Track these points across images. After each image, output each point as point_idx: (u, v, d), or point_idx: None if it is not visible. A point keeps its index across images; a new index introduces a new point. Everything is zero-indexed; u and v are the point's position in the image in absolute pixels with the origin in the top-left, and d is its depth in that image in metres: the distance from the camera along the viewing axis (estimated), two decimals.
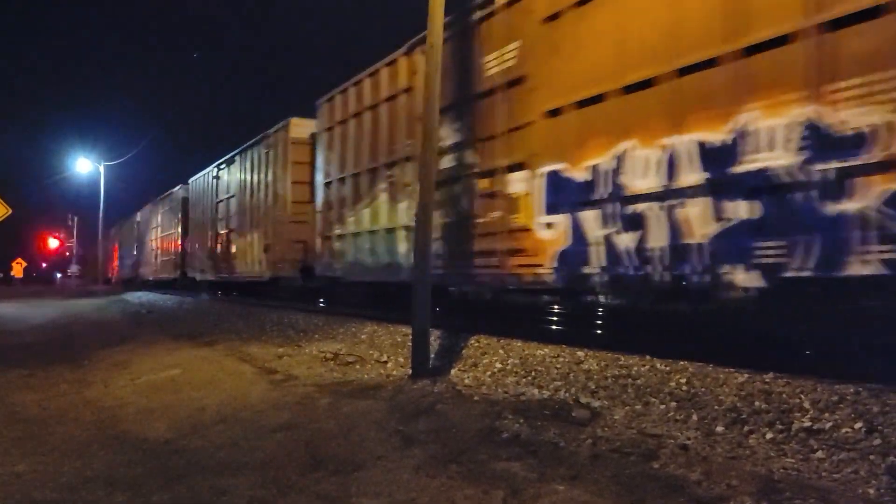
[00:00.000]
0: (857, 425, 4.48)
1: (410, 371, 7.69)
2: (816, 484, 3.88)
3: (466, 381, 7.29)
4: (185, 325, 16.15)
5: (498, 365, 7.68)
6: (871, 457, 4.07)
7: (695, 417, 5.19)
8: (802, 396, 5.06)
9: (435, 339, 8.87)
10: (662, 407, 5.55)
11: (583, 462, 4.41)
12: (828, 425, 4.59)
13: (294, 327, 13.16)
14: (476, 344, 8.67)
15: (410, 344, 7.87)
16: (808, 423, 4.67)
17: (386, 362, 8.72)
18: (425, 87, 8.09)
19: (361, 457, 4.81)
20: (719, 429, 4.93)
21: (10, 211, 8.72)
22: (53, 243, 71.10)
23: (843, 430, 4.48)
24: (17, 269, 53.46)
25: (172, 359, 10.00)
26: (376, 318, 12.37)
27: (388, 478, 4.36)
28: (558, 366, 7.15)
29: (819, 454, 4.28)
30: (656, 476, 4.11)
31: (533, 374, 7.13)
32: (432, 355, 8.14)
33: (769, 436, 4.67)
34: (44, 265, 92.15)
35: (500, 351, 8.15)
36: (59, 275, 76.65)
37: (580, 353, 7.32)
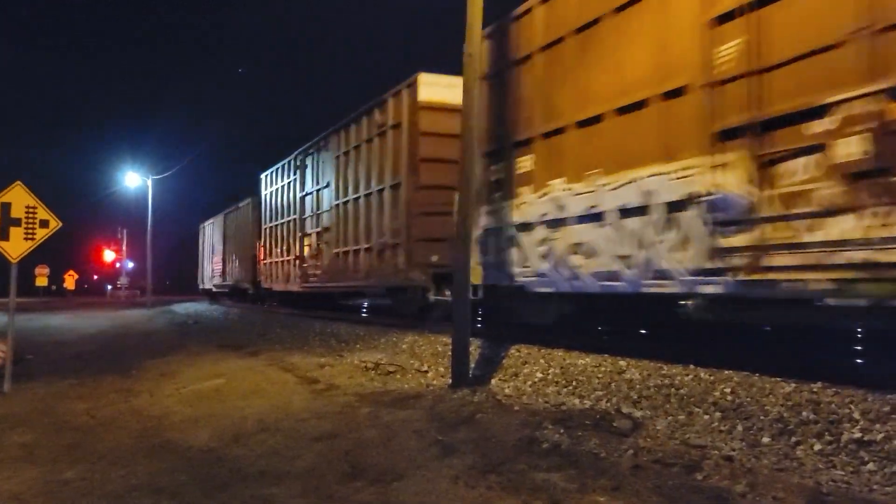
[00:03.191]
0: None
1: (451, 381, 7.69)
2: (867, 497, 3.78)
3: (507, 390, 7.25)
4: (230, 335, 16.40)
5: (539, 374, 7.63)
6: None
7: (740, 428, 5.09)
8: (852, 407, 4.92)
9: (475, 348, 8.86)
10: (706, 417, 5.45)
11: (624, 473, 4.35)
12: (879, 436, 4.45)
13: (336, 337, 13.28)
14: (517, 353, 8.62)
15: (451, 354, 7.87)
16: (858, 435, 4.54)
17: (426, 372, 8.73)
18: (464, 97, 8.05)
19: (401, 466, 4.81)
20: (765, 440, 4.82)
21: (61, 224, 8.95)
22: (109, 256, 72.25)
23: None
24: (70, 281, 54.96)
25: (217, 368, 10.14)
26: (417, 327, 12.39)
27: (427, 487, 4.35)
28: (600, 375, 7.07)
29: (870, 466, 4.16)
30: (700, 488, 4.03)
31: (574, 383, 7.06)
32: (472, 365, 8.13)
33: (817, 447, 4.55)
34: (95, 277, 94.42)
35: (541, 360, 8.09)
36: (109, 287, 78.49)
37: (622, 363, 7.23)
